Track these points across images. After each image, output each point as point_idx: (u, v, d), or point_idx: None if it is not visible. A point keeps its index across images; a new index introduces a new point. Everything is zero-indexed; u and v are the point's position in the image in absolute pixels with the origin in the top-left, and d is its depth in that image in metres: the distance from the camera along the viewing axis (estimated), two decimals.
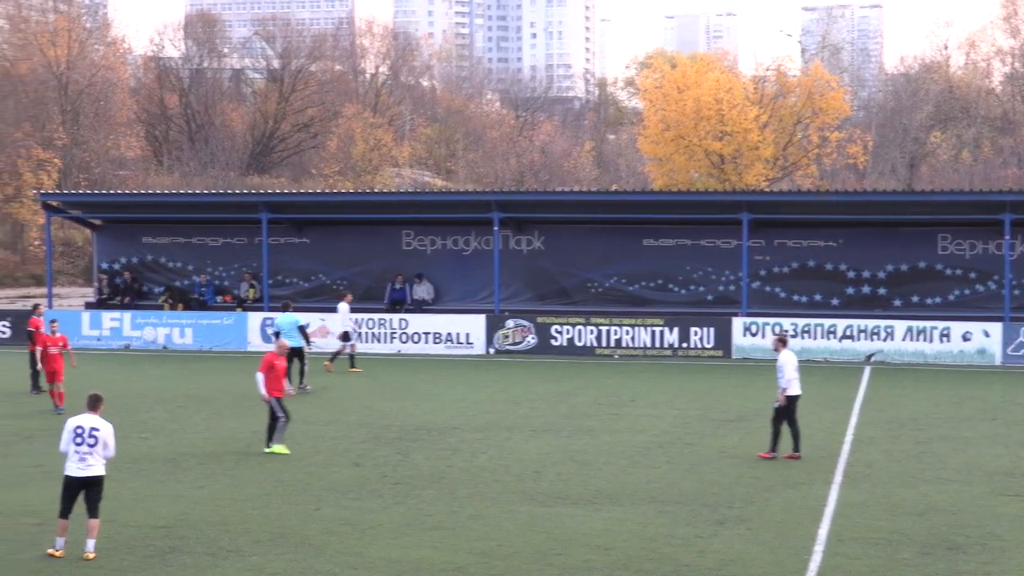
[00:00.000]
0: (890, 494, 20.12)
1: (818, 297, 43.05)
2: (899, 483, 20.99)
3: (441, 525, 18.10)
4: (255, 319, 43.67)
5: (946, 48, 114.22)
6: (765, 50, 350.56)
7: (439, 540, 17.27)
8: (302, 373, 32.51)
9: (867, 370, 37.94)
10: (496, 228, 43.01)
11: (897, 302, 42.44)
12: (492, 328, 42.37)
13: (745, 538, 17.41)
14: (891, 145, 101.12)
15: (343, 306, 38.46)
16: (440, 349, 42.61)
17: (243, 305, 45.49)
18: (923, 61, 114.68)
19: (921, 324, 40.00)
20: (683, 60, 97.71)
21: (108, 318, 44.84)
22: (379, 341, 42.73)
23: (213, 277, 46.89)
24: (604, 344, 41.71)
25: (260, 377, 23.89)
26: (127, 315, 44.80)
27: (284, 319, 33.30)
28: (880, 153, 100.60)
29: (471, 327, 42.57)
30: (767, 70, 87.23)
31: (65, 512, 16.49)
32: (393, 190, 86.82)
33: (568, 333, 41.93)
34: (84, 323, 44.84)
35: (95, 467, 16.45)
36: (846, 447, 24.52)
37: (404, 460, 23.05)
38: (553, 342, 41.98)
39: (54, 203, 49.14)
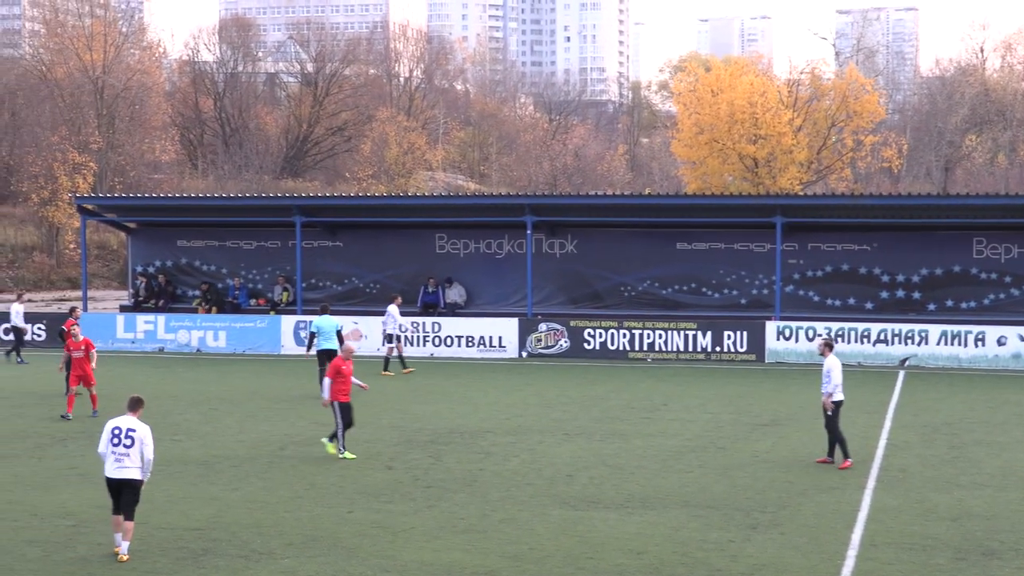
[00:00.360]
0: (924, 499, 20.03)
1: (852, 301, 42.80)
2: (933, 488, 20.89)
3: (473, 528, 18.12)
4: (288, 322, 43.79)
5: (982, 51, 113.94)
6: (799, 53, 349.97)
7: (471, 543, 17.28)
8: None
9: (901, 374, 37.75)
10: (529, 232, 42.97)
11: (931, 306, 42.16)
12: (525, 331, 42.35)
13: (778, 543, 17.36)
14: (926, 148, 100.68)
15: (393, 308, 38.37)
16: (473, 352, 42.61)
17: (276, 308, 45.63)
18: (958, 64, 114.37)
19: (956, 328, 39.75)
20: (717, 63, 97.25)
21: (142, 321, 45.03)
22: (412, 344, 42.68)
23: (247, 280, 47.02)
24: (637, 348, 41.62)
25: (327, 383, 23.78)
26: (161, 318, 44.98)
27: (323, 321, 33.34)
28: (915, 157, 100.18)
29: (504, 330, 42.56)
30: (801, 73, 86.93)
31: (116, 508, 16.69)
32: (426, 193, 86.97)
33: (601, 337, 41.87)
34: (119, 326, 45.07)
35: (130, 469, 16.55)
36: (880, 451, 24.40)
37: (436, 463, 23.07)
38: (586, 345, 41.92)
39: (89, 206, 49.31)
